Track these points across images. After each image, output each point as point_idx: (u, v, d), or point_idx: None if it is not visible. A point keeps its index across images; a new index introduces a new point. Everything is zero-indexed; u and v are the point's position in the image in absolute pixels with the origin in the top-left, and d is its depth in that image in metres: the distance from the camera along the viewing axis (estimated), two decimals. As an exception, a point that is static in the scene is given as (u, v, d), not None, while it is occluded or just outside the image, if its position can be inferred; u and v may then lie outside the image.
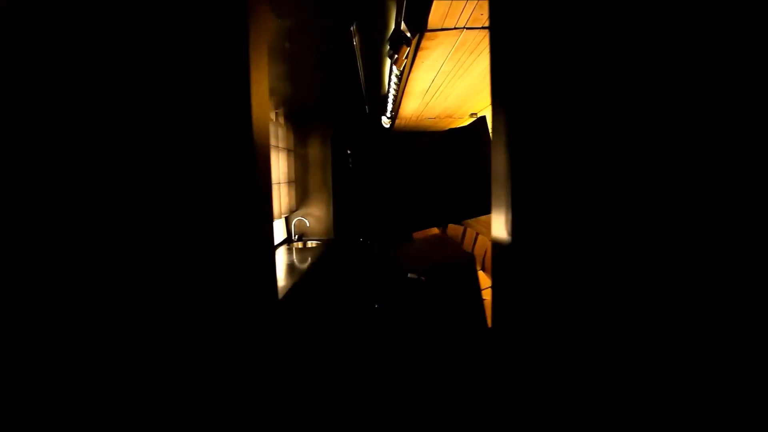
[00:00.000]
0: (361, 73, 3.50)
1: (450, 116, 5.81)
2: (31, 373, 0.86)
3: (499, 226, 0.58)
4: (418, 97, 4.26)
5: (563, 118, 0.54)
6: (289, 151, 5.23)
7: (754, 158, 0.51)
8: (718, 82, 0.51)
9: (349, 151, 5.75)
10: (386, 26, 2.94)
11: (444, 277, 3.26)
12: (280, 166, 4.76)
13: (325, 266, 4.61)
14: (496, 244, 0.61)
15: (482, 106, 5.20)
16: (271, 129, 4.47)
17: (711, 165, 0.52)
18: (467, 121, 6.23)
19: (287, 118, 5.15)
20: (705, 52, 0.51)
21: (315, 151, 5.55)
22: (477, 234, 5.75)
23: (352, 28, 2.12)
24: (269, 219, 1.12)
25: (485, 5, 2.01)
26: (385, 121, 5.42)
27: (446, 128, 7.27)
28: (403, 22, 2.20)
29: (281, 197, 4.75)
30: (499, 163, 0.57)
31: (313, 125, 5.49)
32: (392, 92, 3.87)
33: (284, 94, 3.92)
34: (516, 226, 0.52)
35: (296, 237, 5.43)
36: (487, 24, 2.25)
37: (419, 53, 2.67)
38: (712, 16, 0.50)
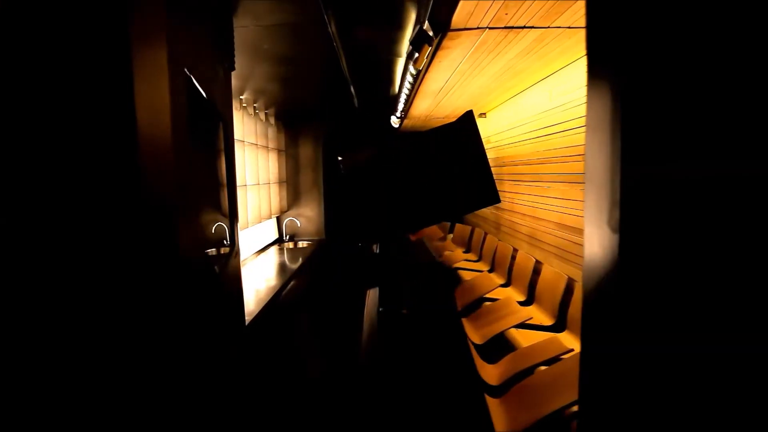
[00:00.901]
0: (344, 67, 3.44)
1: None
2: None
3: (597, 235, 0.54)
4: (430, 97, 4.26)
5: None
6: (280, 151, 5.25)
7: None
8: None
9: (339, 158, 5.73)
10: (400, 25, 2.93)
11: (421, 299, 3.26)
12: (270, 167, 4.77)
13: (313, 268, 4.53)
14: (592, 261, 0.56)
15: (492, 105, 5.20)
16: (260, 129, 4.46)
17: None
18: (478, 121, 6.22)
19: (278, 118, 5.15)
20: None
21: (306, 151, 5.55)
22: (485, 234, 5.75)
23: (325, 16, 2.09)
24: (169, 243, 1.05)
25: (510, 5, 2.01)
26: (395, 121, 5.42)
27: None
28: (427, 21, 2.19)
29: (271, 197, 4.77)
30: (598, 157, 0.54)
31: (305, 125, 5.49)
32: (405, 91, 3.87)
33: (273, 94, 3.91)
34: (629, 235, 0.48)
35: (287, 237, 5.42)
36: (510, 24, 2.25)
37: (439, 53, 2.67)
38: None
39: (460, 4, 1.98)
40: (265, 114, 4.63)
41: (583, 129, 2.72)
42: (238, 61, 2.73)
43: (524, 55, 2.84)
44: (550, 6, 2.03)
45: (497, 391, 2.36)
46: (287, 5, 1.98)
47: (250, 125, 4.13)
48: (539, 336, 3.08)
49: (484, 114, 5.74)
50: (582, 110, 3.14)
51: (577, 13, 2.11)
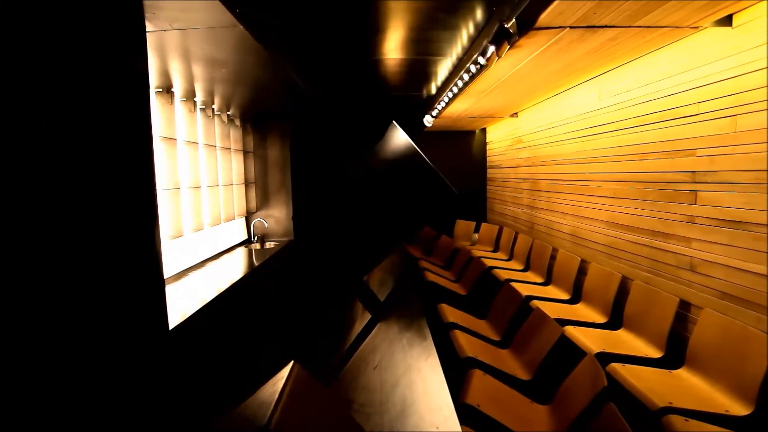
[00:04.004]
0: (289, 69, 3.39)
1: (492, 116, 5.83)
2: None
3: None
4: (473, 97, 4.28)
5: None
6: (246, 152, 5.31)
7: None
8: None
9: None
10: (452, 26, 2.93)
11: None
12: (234, 168, 4.82)
13: (267, 271, 4.26)
14: None
15: (527, 105, 5.22)
16: (223, 130, 4.49)
17: None
18: (505, 121, 6.25)
19: (244, 120, 5.20)
20: None
21: (274, 151, 5.57)
22: (516, 233, 5.76)
23: (236, 11, 2.08)
24: None
25: (603, 4, 2.03)
26: (429, 120, 5.44)
27: (480, 128, 7.28)
28: (514, 19, 2.21)
29: (234, 199, 4.82)
30: None
31: (271, 126, 5.51)
32: (454, 90, 3.88)
33: (226, 95, 3.90)
34: None
35: (256, 238, 5.45)
36: (593, 23, 2.27)
37: (509, 51, 2.68)
38: None
39: (555, 3, 2.00)
40: (228, 116, 4.66)
41: (639, 129, 2.73)
42: (174, 64, 2.76)
43: (590, 54, 2.86)
44: (640, 5, 2.05)
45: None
46: (195, 12, 2.00)
47: (210, 127, 4.15)
48: (595, 334, 3.09)
49: (516, 114, 5.77)
50: (639, 110, 3.16)
51: (666, 11, 2.13)
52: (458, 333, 3.18)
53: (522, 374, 2.75)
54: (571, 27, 2.32)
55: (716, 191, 2.49)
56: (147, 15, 1.95)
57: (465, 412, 2.22)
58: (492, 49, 2.52)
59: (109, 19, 1.64)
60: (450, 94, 4.05)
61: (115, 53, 1.68)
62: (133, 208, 1.78)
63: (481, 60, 2.76)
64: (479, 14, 2.82)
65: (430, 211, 7.07)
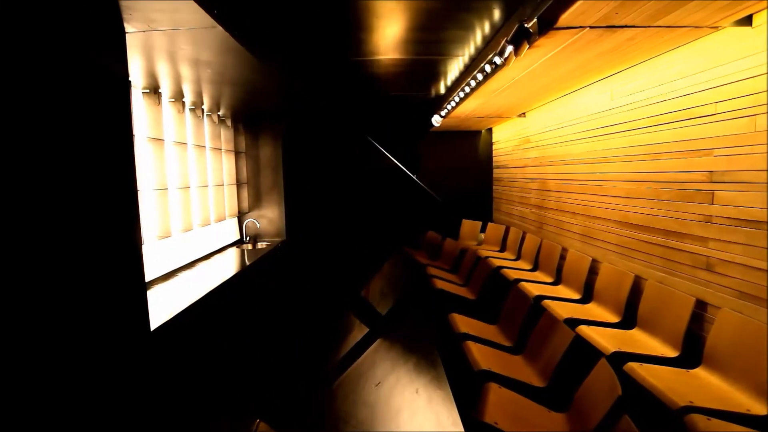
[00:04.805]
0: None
1: (500, 116, 5.84)
2: None
3: None
4: (483, 96, 4.28)
5: None
6: (238, 152, 5.31)
7: None
8: None
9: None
10: (465, 26, 2.93)
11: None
12: (225, 168, 4.82)
13: (252, 274, 4.16)
14: None
15: (535, 105, 5.23)
16: (213, 131, 4.50)
17: None
18: (512, 121, 6.26)
19: (236, 120, 5.21)
20: None
21: (266, 151, 5.58)
22: (524, 233, 5.77)
23: (214, 12, 2.08)
24: None
25: (627, 4, 2.03)
26: (437, 120, 5.44)
27: (486, 128, 7.28)
28: (535, 19, 2.21)
29: (226, 199, 4.84)
30: None
31: (264, 126, 5.52)
32: (467, 89, 3.88)
33: (215, 96, 3.90)
34: None
35: (248, 238, 5.43)
36: (613, 23, 2.27)
37: (526, 50, 2.68)
38: None
39: (578, 3, 2.00)
40: (219, 116, 4.66)
41: (653, 129, 2.75)
42: (160, 65, 2.76)
43: (606, 53, 2.86)
44: (663, 5, 2.05)
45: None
46: (173, 13, 2.00)
47: (200, 128, 4.16)
48: (608, 334, 3.09)
49: (524, 114, 5.77)
50: (652, 110, 3.16)
51: (687, 11, 2.13)
52: (471, 344, 3.13)
53: (537, 381, 2.72)
54: (591, 27, 2.32)
55: (734, 191, 2.50)
56: (125, 16, 1.94)
57: (482, 431, 2.18)
58: (510, 48, 2.52)
59: (85, 19, 1.64)
60: (461, 94, 4.04)
61: (92, 53, 1.68)
62: (112, 208, 1.78)
63: (498, 60, 2.76)
64: (497, 14, 2.82)
65: (416, 218, 7.04)
